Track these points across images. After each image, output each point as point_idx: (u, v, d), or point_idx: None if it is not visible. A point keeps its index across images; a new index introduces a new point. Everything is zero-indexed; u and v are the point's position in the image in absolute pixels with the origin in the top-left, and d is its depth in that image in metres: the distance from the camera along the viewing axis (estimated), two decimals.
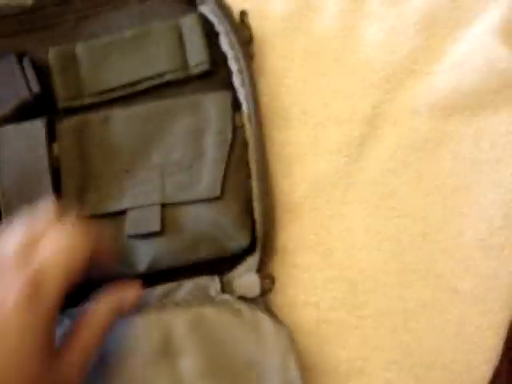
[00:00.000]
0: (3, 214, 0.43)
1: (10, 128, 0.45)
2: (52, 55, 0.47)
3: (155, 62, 0.45)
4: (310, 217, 0.44)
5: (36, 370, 0.31)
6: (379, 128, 0.46)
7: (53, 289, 0.32)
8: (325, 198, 0.44)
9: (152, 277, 0.41)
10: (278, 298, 0.43)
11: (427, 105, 0.46)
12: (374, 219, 0.44)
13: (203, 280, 0.40)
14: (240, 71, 0.44)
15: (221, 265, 0.42)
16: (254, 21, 0.48)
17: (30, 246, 0.33)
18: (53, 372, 0.32)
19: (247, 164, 0.43)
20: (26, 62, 0.46)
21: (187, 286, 0.40)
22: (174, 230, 0.41)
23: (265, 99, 0.46)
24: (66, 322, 0.38)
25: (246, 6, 0.49)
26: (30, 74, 0.46)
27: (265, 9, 0.49)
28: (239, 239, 0.41)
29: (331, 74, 0.47)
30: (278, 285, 0.43)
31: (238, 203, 0.42)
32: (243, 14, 0.47)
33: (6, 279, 0.32)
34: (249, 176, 0.43)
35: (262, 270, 0.41)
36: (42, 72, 0.47)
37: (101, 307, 0.36)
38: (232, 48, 0.45)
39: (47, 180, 0.43)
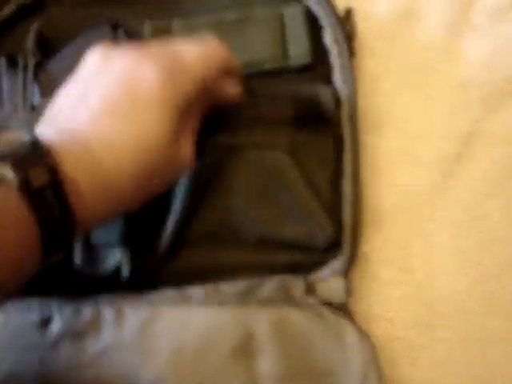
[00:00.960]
0: None
1: None
2: (148, 29, 0.46)
3: (255, 48, 0.45)
4: (396, 230, 0.44)
5: (168, 140, 0.33)
6: (473, 148, 0.45)
7: (192, 74, 0.34)
8: (413, 213, 0.44)
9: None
10: (354, 309, 0.42)
11: None
12: (462, 241, 0.43)
13: (287, 279, 0.40)
14: (343, 67, 0.44)
15: (303, 265, 0.41)
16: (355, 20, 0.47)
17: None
18: (176, 146, 0.34)
19: (339, 162, 0.43)
20: (121, 33, 0.45)
21: (270, 284, 0.40)
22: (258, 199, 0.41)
23: (362, 102, 0.46)
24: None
25: (350, 5, 0.48)
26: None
27: (368, 10, 0.48)
28: (327, 228, 0.40)
29: (429, 87, 0.46)
30: (355, 296, 0.42)
31: (326, 196, 0.42)
32: (349, 11, 0.46)
33: (144, 57, 0.34)
34: (340, 175, 0.42)
35: (346, 276, 0.41)
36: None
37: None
38: (337, 43, 0.44)
39: None
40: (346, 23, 0.46)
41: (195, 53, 0.35)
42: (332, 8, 0.45)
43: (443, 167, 0.45)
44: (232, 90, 0.40)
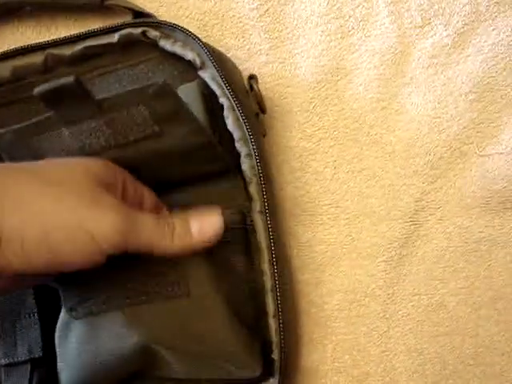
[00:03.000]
0: None
1: None
2: None
3: None
4: (344, 333, 0.40)
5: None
6: (423, 226, 0.41)
7: None
8: (361, 311, 0.40)
9: None
10: None
11: (481, 196, 0.40)
12: (417, 337, 0.40)
13: None
14: (248, 155, 0.38)
15: None
16: (274, 89, 0.42)
17: None
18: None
19: (257, 272, 0.38)
20: None
21: None
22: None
23: (288, 188, 0.41)
24: None
25: (266, 71, 0.43)
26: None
27: (288, 74, 0.43)
28: (249, 366, 0.36)
29: (367, 158, 0.41)
30: None
31: (242, 321, 0.37)
32: (252, 78, 0.40)
33: None
34: (261, 287, 0.38)
35: None
36: None
37: None
38: (239, 127, 0.38)
39: None
40: (250, 95, 0.40)
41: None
42: (230, 80, 0.38)
43: (389, 254, 0.40)
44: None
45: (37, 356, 0.37)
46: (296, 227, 0.41)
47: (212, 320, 0.36)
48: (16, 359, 0.37)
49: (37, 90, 0.34)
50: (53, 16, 0.47)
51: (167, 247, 0.33)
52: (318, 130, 0.42)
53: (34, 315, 0.37)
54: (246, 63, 0.43)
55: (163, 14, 0.45)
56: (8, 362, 0.37)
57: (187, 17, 0.45)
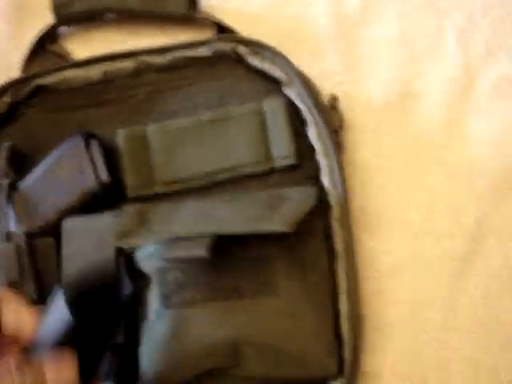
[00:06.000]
0: None
1: (76, 221, 0.43)
2: (121, 138, 0.45)
3: (235, 151, 0.44)
4: (404, 340, 0.43)
5: None
6: (483, 244, 0.44)
7: None
8: (422, 320, 0.43)
9: None
10: None
11: None
12: (474, 348, 0.42)
13: None
14: (329, 167, 0.42)
15: None
16: (345, 108, 0.45)
17: None
18: None
19: (333, 275, 0.41)
20: (95, 147, 0.44)
21: None
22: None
23: (355, 199, 0.44)
24: None
25: (339, 91, 0.46)
26: (99, 161, 0.44)
27: (358, 95, 0.47)
28: (326, 365, 0.39)
29: (431, 177, 0.45)
30: None
31: (323, 320, 0.40)
32: (334, 98, 0.44)
33: None
34: (334, 290, 0.41)
35: None
36: (109, 152, 0.45)
37: None
38: (321, 141, 0.43)
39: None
40: (331, 113, 0.44)
41: None
42: (314, 98, 0.43)
43: (451, 267, 0.43)
44: None
45: (118, 342, 0.39)
46: (360, 237, 0.44)
47: (300, 319, 0.39)
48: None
49: None
50: (135, 23, 0.50)
51: None
52: (386, 147, 0.46)
53: None
54: (320, 82, 0.46)
55: (242, 30, 0.48)
56: None
57: (265, 35, 0.48)
